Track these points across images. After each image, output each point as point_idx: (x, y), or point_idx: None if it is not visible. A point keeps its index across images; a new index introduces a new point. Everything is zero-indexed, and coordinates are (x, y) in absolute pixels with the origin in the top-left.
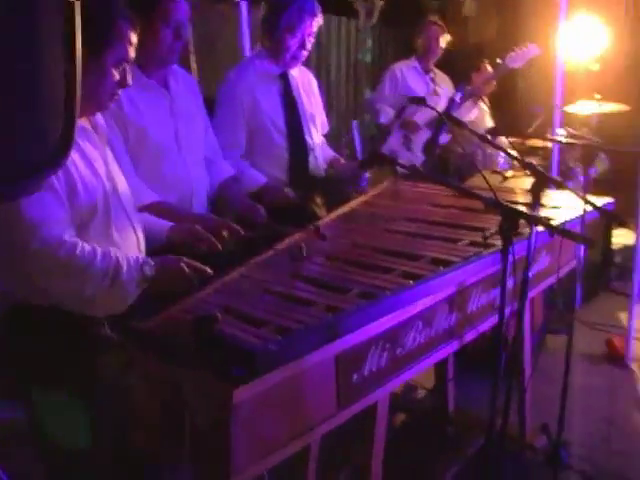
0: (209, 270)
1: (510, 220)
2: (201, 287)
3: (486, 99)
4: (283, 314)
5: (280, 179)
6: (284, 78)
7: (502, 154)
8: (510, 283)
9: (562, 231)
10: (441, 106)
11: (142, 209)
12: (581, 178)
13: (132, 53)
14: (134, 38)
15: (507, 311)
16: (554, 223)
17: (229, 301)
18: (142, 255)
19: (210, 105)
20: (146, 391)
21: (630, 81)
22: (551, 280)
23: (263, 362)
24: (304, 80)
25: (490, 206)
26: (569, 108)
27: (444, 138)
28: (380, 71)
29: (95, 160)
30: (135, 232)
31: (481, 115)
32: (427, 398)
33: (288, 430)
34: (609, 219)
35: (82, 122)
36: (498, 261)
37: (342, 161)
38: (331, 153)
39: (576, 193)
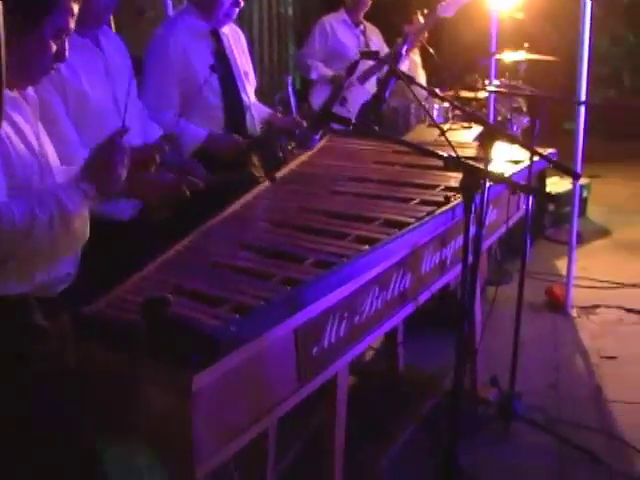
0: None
1: (471, 177)
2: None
3: (417, 50)
4: (238, 289)
5: None
6: (215, 35)
7: (436, 107)
8: (461, 238)
9: (524, 188)
10: (372, 60)
11: None
12: (515, 128)
13: (72, 24)
14: (76, 8)
15: (459, 267)
16: (505, 175)
17: (177, 278)
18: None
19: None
20: (92, 381)
21: (553, 28)
22: (499, 233)
23: (225, 345)
24: (234, 36)
25: (450, 164)
26: (502, 56)
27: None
28: (303, 24)
29: (28, 134)
30: None
31: (413, 67)
32: (377, 359)
33: (250, 412)
34: (561, 171)
35: (13, 93)
36: (450, 219)
37: (279, 116)
38: (266, 110)
39: (524, 145)
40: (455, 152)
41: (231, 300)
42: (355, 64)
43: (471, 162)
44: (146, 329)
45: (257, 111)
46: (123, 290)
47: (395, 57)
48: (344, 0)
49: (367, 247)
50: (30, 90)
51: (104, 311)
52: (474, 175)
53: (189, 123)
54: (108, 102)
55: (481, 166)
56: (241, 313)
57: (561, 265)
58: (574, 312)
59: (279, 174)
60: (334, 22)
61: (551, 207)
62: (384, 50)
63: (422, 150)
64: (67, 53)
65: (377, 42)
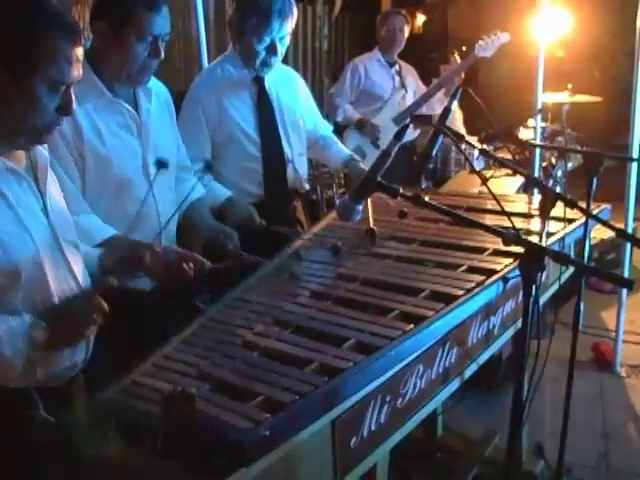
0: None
1: (533, 257)
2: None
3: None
4: (271, 381)
5: (255, 194)
6: (258, 82)
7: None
8: (509, 305)
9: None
10: (408, 100)
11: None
12: (560, 172)
13: (75, 72)
14: (76, 53)
15: (506, 336)
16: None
17: (201, 359)
18: (29, 316)
19: None
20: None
21: (594, 66)
22: (551, 291)
23: (254, 452)
24: (287, 82)
25: (510, 242)
26: (545, 98)
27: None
28: (337, 58)
29: (26, 209)
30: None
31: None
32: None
33: None
34: (618, 235)
35: (9, 161)
36: (499, 288)
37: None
38: (346, 152)
39: (580, 209)
40: (513, 226)
41: (262, 393)
42: (405, 127)
43: (532, 239)
44: (165, 427)
45: (334, 151)
46: (141, 372)
47: (444, 114)
48: (378, 39)
49: (412, 326)
50: (40, 152)
51: (118, 399)
52: (537, 255)
53: (212, 180)
54: (136, 172)
55: (543, 244)
56: (273, 411)
57: (606, 316)
58: (623, 371)
59: (317, 229)
60: (367, 62)
61: (595, 254)
62: (420, 90)
63: (479, 225)
64: (73, 105)
65: (413, 82)
